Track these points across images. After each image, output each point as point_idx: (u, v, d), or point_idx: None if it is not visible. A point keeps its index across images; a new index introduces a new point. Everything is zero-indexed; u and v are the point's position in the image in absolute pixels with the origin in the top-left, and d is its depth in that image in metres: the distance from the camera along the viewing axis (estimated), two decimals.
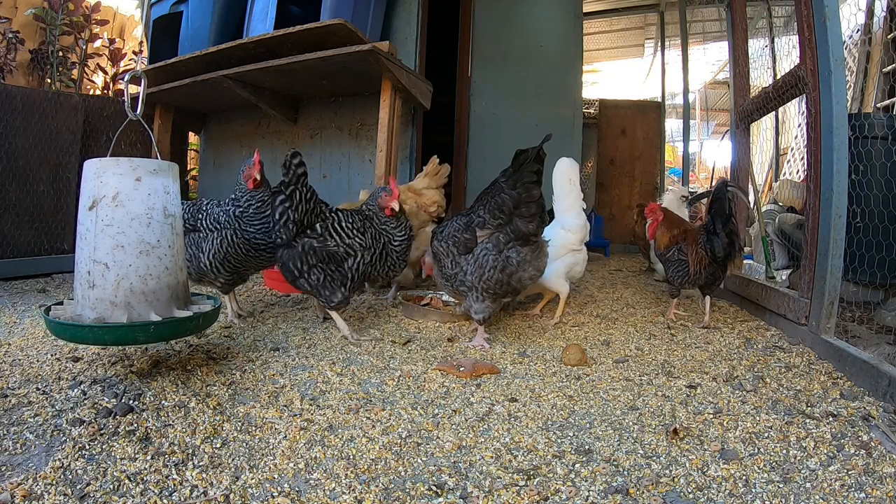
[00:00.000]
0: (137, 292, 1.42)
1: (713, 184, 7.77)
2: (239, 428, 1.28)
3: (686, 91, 5.34)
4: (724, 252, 2.39)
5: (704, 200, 6.45)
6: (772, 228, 3.79)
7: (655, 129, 6.38)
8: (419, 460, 1.17)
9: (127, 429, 1.22)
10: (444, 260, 2.05)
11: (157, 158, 1.54)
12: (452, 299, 2.65)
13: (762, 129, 6.67)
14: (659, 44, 6.80)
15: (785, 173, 5.89)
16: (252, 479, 1.06)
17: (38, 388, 1.42)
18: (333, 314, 2.05)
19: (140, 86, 1.68)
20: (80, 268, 1.45)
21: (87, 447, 1.14)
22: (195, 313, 1.52)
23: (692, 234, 2.53)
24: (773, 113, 5.54)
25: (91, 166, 1.46)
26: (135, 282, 1.42)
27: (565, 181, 2.43)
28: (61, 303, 1.56)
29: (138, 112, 1.63)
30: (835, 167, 1.85)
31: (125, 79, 1.68)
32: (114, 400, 1.37)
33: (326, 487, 1.05)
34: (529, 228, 1.87)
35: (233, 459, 1.13)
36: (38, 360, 1.65)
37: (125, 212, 1.42)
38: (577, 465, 1.16)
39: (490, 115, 4.48)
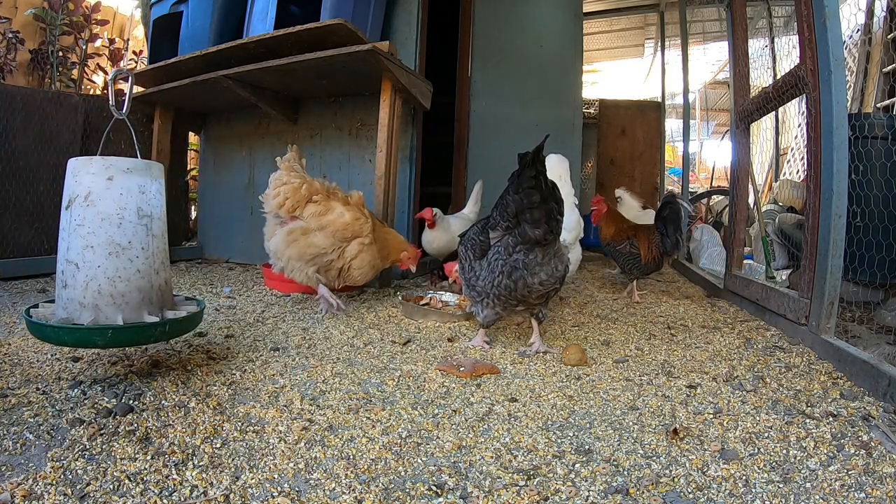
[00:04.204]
0: (105, 294, 1.39)
1: (713, 184, 7.80)
2: (239, 428, 1.28)
3: (686, 91, 5.34)
4: (671, 251, 3.03)
5: (704, 200, 6.49)
6: (772, 228, 3.79)
7: (655, 129, 6.38)
8: (419, 460, 1.17)
9: (127, 429, 1.22)
10: (464, 263, 2.04)
11: (137, 157, 1.50)
12: (452, 300, 2.65)
13: (762, 129, 6.68)
14: (659, 44, 6.80)
15: (785, 173, 5.89)
16: (252, 479, 1.06)
17: (38, 388, 1.42)
18: None
19: (129, 84, 1.68)
20: (57, 267, 1.43)
21: (87, 447, 1.14)
22: (161, 320, 1.46)
23: (643, 232, 3.07)
24: (773, 113, 5.54)
25: (69, 166, 1.44)
26: (103, 283, 1.39)
27: (555, 178, 2.43)
28: (53, 301, 1.54)
29: (124, 111, 1.61)
30: (835, 167, 1.85)
31: (110, 77, 1.66)
32: (114, 400, 1.37)
33: (326, 487, 1.05)
34: (536, 234, 1.77)
35: (233, 459, 1.13)
36: (38, 360, 1.65)
37: (96, 211, 1.39)
38: (577, 465, 1.16)
39: (490, 115, 4.48)
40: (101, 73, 5.75)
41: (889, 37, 4.02)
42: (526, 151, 1.70)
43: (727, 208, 4.93)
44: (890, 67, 4.04)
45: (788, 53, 4.61)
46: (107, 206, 1.40)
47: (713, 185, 7.85)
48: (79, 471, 1.05)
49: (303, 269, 2.31)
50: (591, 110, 6.88)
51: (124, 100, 1.63)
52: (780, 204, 4.65)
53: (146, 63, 4.22)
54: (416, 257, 2.62)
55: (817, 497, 1.05)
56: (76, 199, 1.41)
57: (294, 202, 2.26)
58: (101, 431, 1.20)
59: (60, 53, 5.11)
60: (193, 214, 5.26)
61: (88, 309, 1.39)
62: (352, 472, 1.11)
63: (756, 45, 5.15)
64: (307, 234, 2.27)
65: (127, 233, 1.42)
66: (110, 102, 1.58)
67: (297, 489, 1.04)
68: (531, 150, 1.69)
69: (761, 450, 1.23)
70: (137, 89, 3.58)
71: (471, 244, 1.98)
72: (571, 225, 2.44)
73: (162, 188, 1.54)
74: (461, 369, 1.72)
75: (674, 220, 3.03)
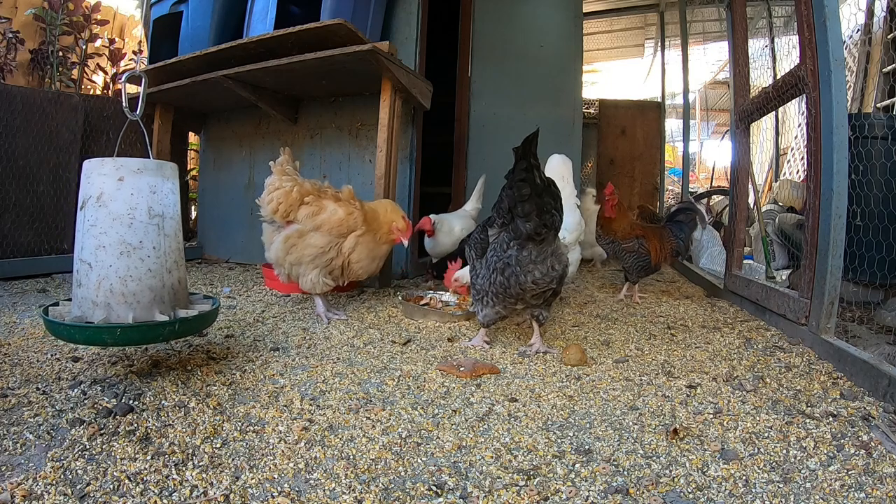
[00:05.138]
0: (117, 293, 1.41)
1: (713, 184, 7.81)
2: (239, 428, 1.28)
3: (686, 91, 5.34)
4: (683, 253, 3.16)
5: (704, 200, 6.49)
6: (772, 228, 3.79)
7: (655, 129, 6.38)
8: (419, 460, 1.17)
9: (127, 429, 1.22)
10: (469, 262, 2.05)
11: (149, 157, 1.51)
12: (452, 300, 2.65)
13: (762, 129, 6.67)
14: (659, 44, 6.81)
15: (785, 173, 5.89)
16: (252, 479, 1.06)
17: (38, 388, 1.42)
18: None
19: (140, 86, 1.68)
20: (73, 266, 1.47)
21: (87, 447, 1.14)
22: (170, 319, 1.47)
23: (653, 233, 3.03)
24: (773, 113, 5.54)
25: (84, 168, 1.46)
26: (115, 282, 1.41)
27: (557, 178, 2.43)
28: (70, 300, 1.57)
29: (138, 112, 1.62)
30: (835, 167, 1.85)
31: (122, 79, 1.66)
32: (114, 400, 1.38)
33: (326, 487, 1.05)
34: (527, 228, 1.76)
35: (233, 459, 1.13)
36: (38, 360, 1.65)
37: (107, 212, 1.41)
38: (577, 465, 1.16)
39: (490, 115, 4.48)
40: (101, 73, 5.75)
41: (889, 37, 4.02)
42: (518, 146, 1.70)
43: (727, 208, 4.93)
44: (890, 67, 4.04)
45: (788, 53, 4.61)
46: (118, 207, 1.42)
47: (713, 185, 7.85)
48: (79, 471, 1.05)
49: (306, 275, 2.29)
50: (591, 110, 6.88)
51: (130, 100, 1.63)
52: (780, 204, 4.65)
53: (146, 63, 4.21)
54: (408, 230, 2.50)
55: (817, 497, 1.05)
56: (89, 199, 1.43)
57: (287, 207, 2.25)
58: (101, 431, 1.20)
59: (60, 53, 5.11)
60: (193, 214, 5.25)
61: (101, 307, 1.41)
62: (352, 472, 1.11)
63: (756, 45, 5.15)
64: (303, 236, 2.26)
65: (138, 232, 1.43)
66: (123, 104, 1.58)
67: (297, 489, 1.04)
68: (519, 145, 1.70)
69: (761, 450, 1.23)
70: (138, 89, 3.59)
71: (474, 243, 1.99)
72: (573, 226, 2.44)
73: (175, 187, 1.54)
74: (461, 369, 1.72)
75: (692, 225, 3.15)
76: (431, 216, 3.14)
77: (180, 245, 1.56)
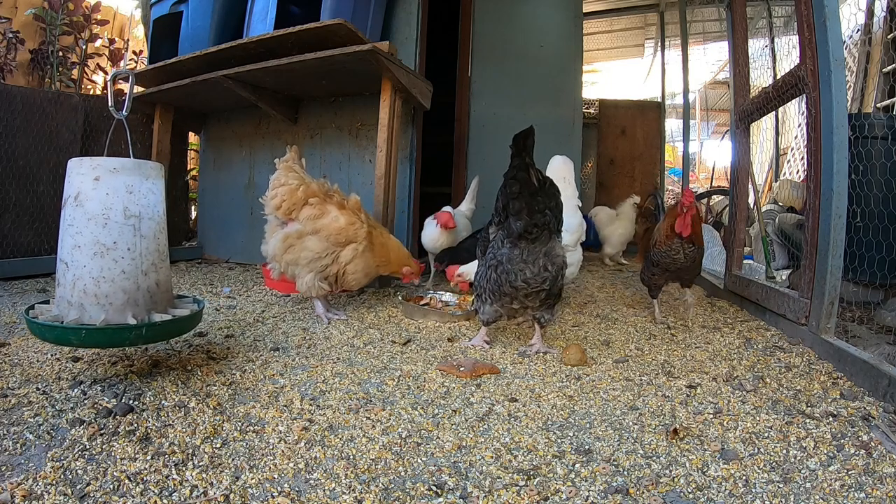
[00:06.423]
0: (90, 294, 1.39)
1: (713, 184, 7.80)
2: (239, 428, 1.28)
3: (686, 91, 5.33)
4: None
5: (704, 200, 6.49)
6: (772, 228, 3.79)
7: (655, 129, 6.37)
8: (419, 460, 1.17)
9: (127, 429, 1.22)
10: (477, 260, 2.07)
11: (130, 157, 1.48)
12: (452, 300, 2.65)
13: (762, 129, 6.67)
14: (659, 44, 6.80)
15: (785, 173, 5.89)
16: (252, 479, 1.06)
17: (38, 388, 1.42)
18: None
19: (129, 84, 1.67)
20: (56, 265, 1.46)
21: (88, 447, 1.14)
22: (137, 323, 1.43)
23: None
24: (773, 113, 5.54)
25: (67, 167, 1.46)
26: (88, 283, 1.39)
27: (559, 179, 2.43)
28: None
29: (124, 112, 1.60)
30: (835, 167, 1.85)
31: (109, 77, 1.64)
32: (114, 400, 1.38)
33: (326, 487, 1.05)
34: (518, 226, 1.75)
35: (233, 459, 1.13)
36: (38, 360, 1.65)
37: (83, 212, 1.39)
38: (577, 465, 1.16)
39: (490, 115, 4.48)
40: (101, 73, 5.75)
41: (889, 37, 4.02)
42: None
43: (727, 208, 4.93)
44: (890, 67, 4.04)
45: (788, 53, 4.61)
46: (93, 207, 1.40)
47: (713, 185, 7.85)
48: (79, 471, 1.05)
49: (303, 277, 2.28)
50: (591, 110, 6.88)
51: (124, 100, 1.62)
52: (780, 204, 4.65)
53: (146, 63, 4.21)
54: (419, 272, 2.55)
55: (817, 497, 1.05)
56: (69, 199, 1.42)
57: (290, 204, 2.25)
58: (101, 431, 1.20)
59: (60, 53, 5.11)
60: (193, 214, 5.25)
61: (75, 308, 1.40)
62: (352, 472, 1.11)
63: (756, 45, 5.14)
64: (302, 237, 2.25)
65: (112, 233, 1.41)
66: (110, 103, 1.57)
67: (297, 489, 1.04)
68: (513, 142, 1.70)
69: (761, 450, 1.23)
70: (138, 89, 3.58)
71: (480, 240, 2.02)
72: (573, 227, 2.43)
73: (157, 187, 1.50)
74: (461, 369, 1.72)
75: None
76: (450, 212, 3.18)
77: (160, 247, 1.51)
